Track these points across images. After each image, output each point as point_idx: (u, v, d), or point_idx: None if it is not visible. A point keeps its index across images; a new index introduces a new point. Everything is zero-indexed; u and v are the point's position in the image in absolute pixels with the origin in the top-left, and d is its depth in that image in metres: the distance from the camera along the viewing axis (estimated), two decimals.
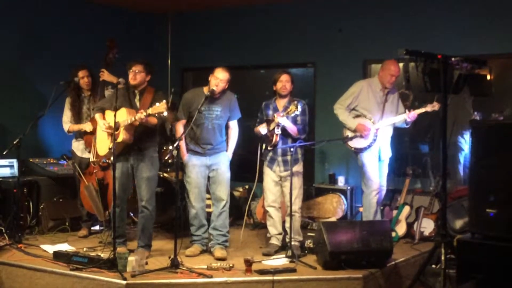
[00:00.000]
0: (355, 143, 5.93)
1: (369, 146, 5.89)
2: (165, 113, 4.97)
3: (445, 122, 4.56)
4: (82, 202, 6.27)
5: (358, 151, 5.96)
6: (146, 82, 5.36)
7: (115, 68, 6.11)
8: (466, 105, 6.67)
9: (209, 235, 5.66)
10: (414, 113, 5.82)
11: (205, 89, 5.52)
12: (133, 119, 5.08)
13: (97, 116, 5.42)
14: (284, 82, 5.67)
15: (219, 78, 5.45)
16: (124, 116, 5.15)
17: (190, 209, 5.64)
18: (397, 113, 5.99)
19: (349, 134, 5.97)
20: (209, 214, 5.76)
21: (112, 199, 5.18)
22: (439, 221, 5.92)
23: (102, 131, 5.38)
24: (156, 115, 5.02)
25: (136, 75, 5.26)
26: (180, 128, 5.66)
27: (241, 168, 6.77)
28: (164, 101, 4.97)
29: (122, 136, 5.15)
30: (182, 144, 5.56)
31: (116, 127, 5.15)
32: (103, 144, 5.48)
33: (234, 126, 5.73)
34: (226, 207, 5.62)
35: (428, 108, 5.78)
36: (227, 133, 5.74)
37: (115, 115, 5.01)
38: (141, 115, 5.03)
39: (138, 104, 5.31)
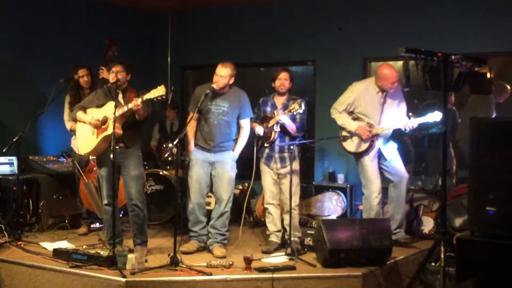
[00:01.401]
0: (351, 147, 5.77)
1: (367, 152, 5.72)
2: (164, 96, 4.91)
3: (446, 121, 4.54)
4: (81, 200, 6.28)
5: (357, 156, 5.80)
6: (127, 81, 5.33)
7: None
8: (492, 104, 6.60)
9: (207, 232, 5.64)
10: (413, 123, 5.55)
11: None
12: (125, 109, 5.03)
13: (80, 114, 5.33)
14: (282, 80, 5.65)
15: (219, 74, 5.43)
16: (112, 109, 5.05)
17: (188, 204, 5.62)
18: (398, 112, 5.73)
19: (347, 134, 5.82)
20: (209, 211, 5.75)
21: (112, 197, 5.17)
22: (438, 219, 5.91)
23: (87, 124, 5.26)
24: (155, 99, 4.96)
25: (117, 75, 5.25)
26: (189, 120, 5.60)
27: (241, 166, 6.78)
28: (163, 85, 4.93)
29: (111, 128, 5.04)
30: (190, 136, 5.57)
31: (104, 120, 5.15)
32: (87, 141, 5.32)
33: (245, 125, 5.65)
34: (227, 207, 5.58)
35: (429, 118, 5.46)
36: (239, 132, 5.67)
37: (114, 112, 4.98)
38: (136, 102, 4.96)
39: (122, 101, 5.26)
